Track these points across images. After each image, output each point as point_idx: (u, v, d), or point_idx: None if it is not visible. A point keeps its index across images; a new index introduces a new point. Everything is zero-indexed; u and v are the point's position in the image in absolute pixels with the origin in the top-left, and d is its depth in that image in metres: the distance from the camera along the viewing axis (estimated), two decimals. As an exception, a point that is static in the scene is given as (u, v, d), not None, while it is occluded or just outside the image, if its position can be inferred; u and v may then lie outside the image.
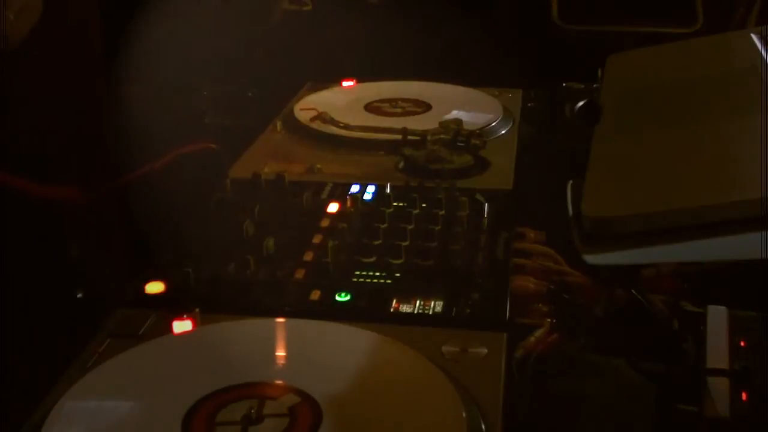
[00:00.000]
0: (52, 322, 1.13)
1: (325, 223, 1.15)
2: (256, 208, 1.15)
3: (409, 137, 1.33)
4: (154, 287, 1.01)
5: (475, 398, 0.83)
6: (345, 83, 1.65)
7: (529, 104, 1.58)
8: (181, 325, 0.94)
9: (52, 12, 1.25)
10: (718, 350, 0.88)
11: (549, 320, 0.98)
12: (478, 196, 1.19)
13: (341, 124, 1.44)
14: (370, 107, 1.53)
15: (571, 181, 0.93)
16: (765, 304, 0.94)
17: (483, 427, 0.80)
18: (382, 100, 1.55)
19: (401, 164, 1.32)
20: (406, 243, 1.08)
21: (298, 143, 1.43)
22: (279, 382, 0.85)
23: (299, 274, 1.03)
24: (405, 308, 0.98)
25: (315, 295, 1.00)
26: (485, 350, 0.91)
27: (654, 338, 0.95)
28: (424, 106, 1.54)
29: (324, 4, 1.96)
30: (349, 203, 1.19)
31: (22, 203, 1.18)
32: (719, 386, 0.83)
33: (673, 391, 0.87)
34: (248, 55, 1.78)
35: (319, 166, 1.32)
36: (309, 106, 1.51)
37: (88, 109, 1.36)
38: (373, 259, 1.06)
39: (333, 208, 1.18)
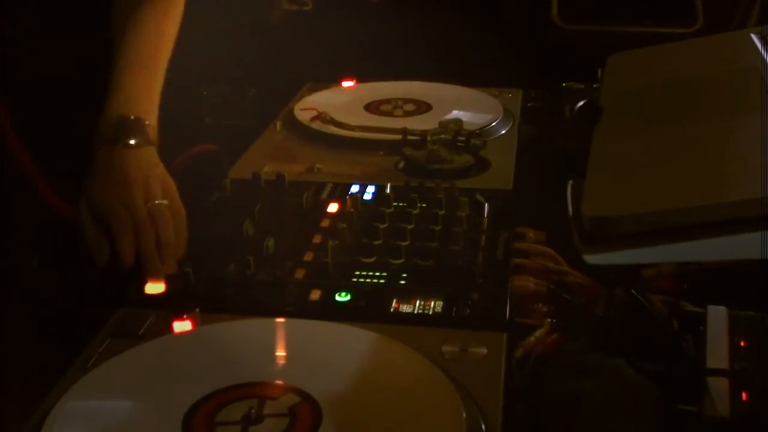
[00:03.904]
0: (52, 322, 1.13)
1: (325, 223, 1.15)
2: (256, 208, 1.15)
3: (409, 137, 1.33)
4: (154, 287, 1.01)
5: (475, 398, 0.83)
6: (345, 83, 1.65)
7: (529, 104, 1.58)
8: (181, 325, 0.94)
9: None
10: (718, 350, 0.88)
11: (549, 320, 0.98)
12: (478, 196, 1.19)
13: (341, 124, 1.44)
14: (370, 107, 1.53)
15: (571, 181, 0.93)
16: (765, 304, 0.94)
17: (483, 427, 0.80)
18: (382, 100, 1.55)
19: (401, 164, 1.32)
20: (406, 243, 1.08)
21: (298, 143, 1.43)
22: (279, 382, 0.85)
23: (299, 274, 1.03)
24: (405, 308, 0.98)
25: (315, 295, 1.00)
26: (485, 350, 0.91)
27: (654, 338, 0.95)
28: (424, 106, 1.54)
29: (324, 4, 1.96)
30: (349, 203, 1.19)
31: (23, 204, 1.18)
32: (719, 386, 0.83)
33: (673, 391, 0.87)
34: (248, 55, 1.78)
35: (319, 166, 1.32)
36: (309, 106, 1.52)
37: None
38: (373, 259, 1.06)
39: (333, 208, 1.18)
